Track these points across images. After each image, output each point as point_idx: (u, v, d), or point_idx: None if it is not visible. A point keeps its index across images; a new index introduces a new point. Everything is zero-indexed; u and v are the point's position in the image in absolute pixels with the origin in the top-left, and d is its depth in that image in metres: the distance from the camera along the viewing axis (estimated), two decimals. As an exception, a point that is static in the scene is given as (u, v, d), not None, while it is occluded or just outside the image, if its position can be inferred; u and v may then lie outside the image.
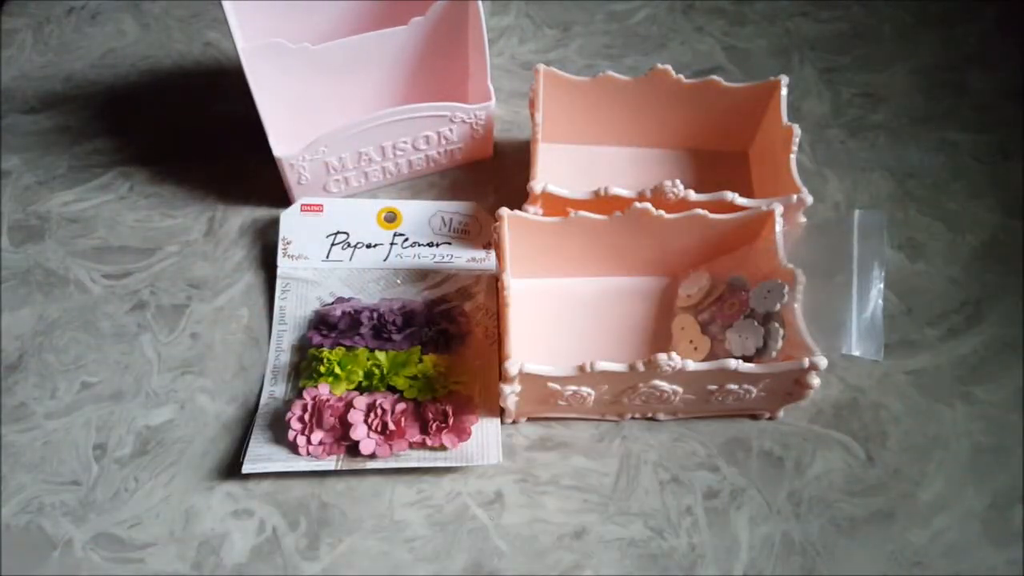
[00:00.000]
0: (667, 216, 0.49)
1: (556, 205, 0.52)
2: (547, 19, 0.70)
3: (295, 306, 0.53)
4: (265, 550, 0.45)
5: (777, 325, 0.47)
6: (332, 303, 0.53)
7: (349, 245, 0.55)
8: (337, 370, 0.48)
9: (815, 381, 0.45)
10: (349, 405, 0.47)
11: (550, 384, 0.44)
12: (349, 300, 0.53)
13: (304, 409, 0.47)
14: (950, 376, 0.53)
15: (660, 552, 0.47)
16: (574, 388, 0.45)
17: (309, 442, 0.46)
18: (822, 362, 0.44)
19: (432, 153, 0.59)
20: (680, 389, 0.45)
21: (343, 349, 0.50)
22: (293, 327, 0.53)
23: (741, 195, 0.51)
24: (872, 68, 0.68)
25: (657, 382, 0.44)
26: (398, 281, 0.55)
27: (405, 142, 0.56)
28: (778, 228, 0.49)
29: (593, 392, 0.45)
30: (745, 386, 0.45)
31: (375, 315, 0.51)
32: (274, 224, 0.56)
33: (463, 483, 0.48)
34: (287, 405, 0.49)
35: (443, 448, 0.47)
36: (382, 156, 0.57)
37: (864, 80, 0.67)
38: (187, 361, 0.52)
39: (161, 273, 0.55)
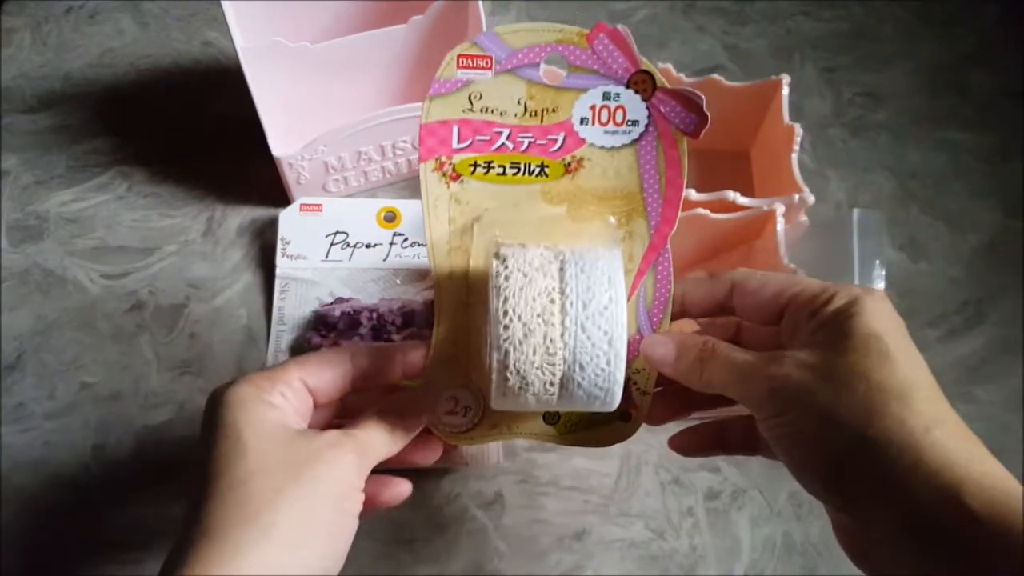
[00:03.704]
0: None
1: (556, 205, 0.52)
2: (547, 19, 0.70)
3: (294, 306, 0.53)
4: (264, 551, 0.45)
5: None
6: (331, 303, 0.53)
7: (348, 245, 0.55)
8: (336, 370, 0.48)
9: (816, 382, 0.45)
10: (348, 406, 0.47)
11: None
12: (348, 300, 0.53)
13: (303, 410, 0.47)
14: (950, 376, 0.53)
15: (661, 553, 0.46)
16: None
17: (308, 443, 0.46)
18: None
19: (432, 153, 0.58)
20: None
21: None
22: (292, 327, 0.52)
23: (742, 195, 0.50)
24: (873, 68, 0.68)
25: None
26: (398, 281, 0.54)
27: (405, 141, 0.56)
28: (779, 228, 0.49)
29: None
30: (746, 387, 0.45)
31: (374, 315, 0.51)
32: (273, 224, 0.56)
33: (463, 484, 0.48)
34: (286, 406, 0.49)
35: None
36: (382, 155, 0.56)
37: (865, 80, 0.67)
38: (186, 361, 0.52)
39: (160, 273, 0.55)
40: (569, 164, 0.33)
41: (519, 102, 0.33)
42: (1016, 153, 0.64)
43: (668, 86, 0.33)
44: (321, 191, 0.57)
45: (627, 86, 0.33)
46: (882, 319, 0.28)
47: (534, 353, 0.29)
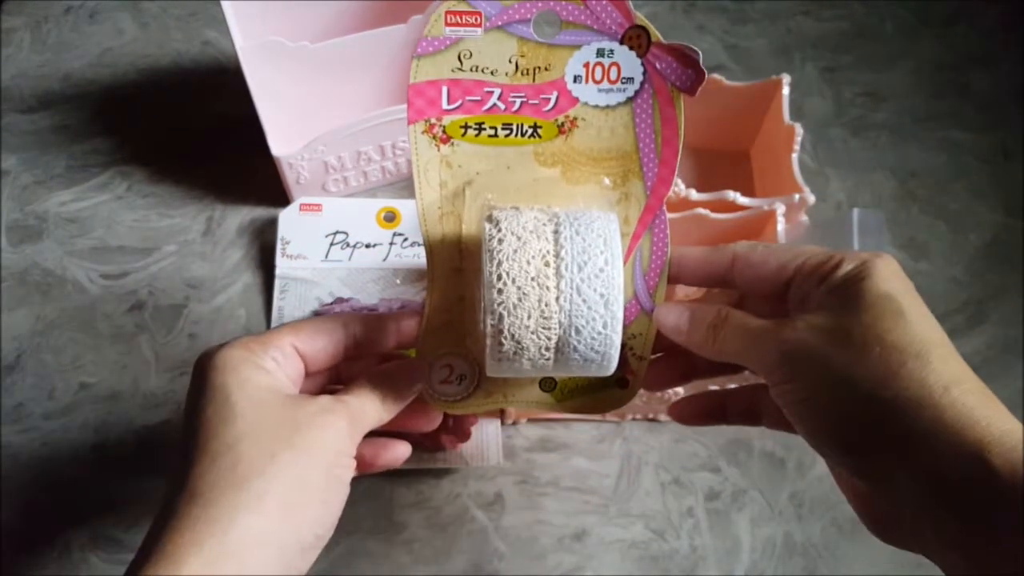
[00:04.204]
0: (668, 215, 0.48)
1: (556, 205, 0.52)
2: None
3: (294, 306, 0.53)
4: (264, 552, 0.45)
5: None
6: (331, 303, 0.53)
7: (348, 245, 0.55)
8: (336, 371, 0.48)
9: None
10: (348, 406, 0.47)
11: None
12: (348, 300, 0.53)
13: (303, 410, 0.47)
14: (952, 377, 0.53)
15: (661, 554, 0.46)
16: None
17: (308, 443, 0.46)
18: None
19: (432, 152, 0.58)
20: (681, 389, 0.45)
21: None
22: (292, 327, 0.52)
23: (742, 195, 0.50)
24: (874, 67, 0.68)
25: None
26: (397, 281, 0.54)
27: (404, 141, 0.56)
28: (780, 228, 0.49)
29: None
30: (746, 387, 0.45)
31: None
32: (272, 224, 0.56)
33: (463, 484, 0.48)
34: (286, 406, 0.49)
35: (442, 449, 0.47)
36: (381, 155, 0.56)
37: (866, 79, 0.67)
38: (185, 362, 0.52)
39: (159, 273, 0.55)
40: (562, 124, 0.33)
41: (510, 60, 0.32)
42: (1016, 153, 0.63)
43: (663, 41, 0.32)
44: (321, 191, 0.57)
45: (621, 42, 0.32)
46: (893, 280, 0.28)
47: (529, 317, 0.29)
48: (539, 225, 0.30)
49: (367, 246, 0.55)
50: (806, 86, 0.66)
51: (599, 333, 0.29)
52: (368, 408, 0.32)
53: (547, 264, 0.29)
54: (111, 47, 0.65)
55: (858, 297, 0.27)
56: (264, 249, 0.56)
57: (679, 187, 0.50)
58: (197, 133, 0.61)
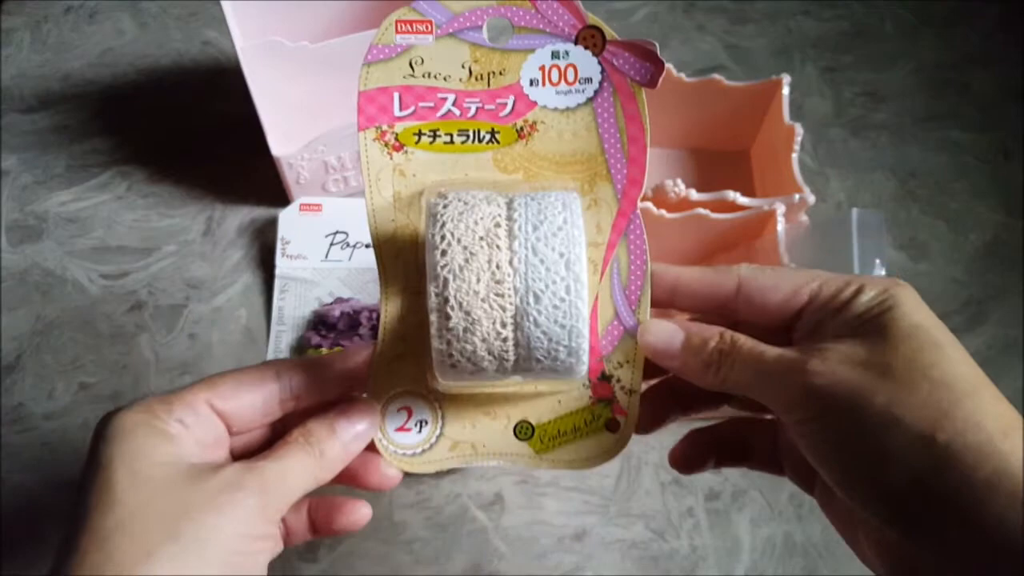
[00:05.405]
0: (668, 216, 0.49)
1: (556, 205, 0.52)
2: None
3: (293, 306, 0.53)
4: (264, 552, 0.45)
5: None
6: (331, 303, 0.53)
7: (348, 245, 0.55)
8: (336, 371, 0.48)
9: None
10: (348, 406, 0.47)
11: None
12: (348, 300, 0.53)
13: (303, 410, 0.47)
14: (952, 377, 0.53)
15: (661, 554, 0.46)
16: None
17: (308, 443, 0.46)
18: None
19: (432, 152, 0.58)
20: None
21: (342, 349, 0.49)
22: (292, 327, 0.52)
23: (742, 195, 0.50)
24: (874, 67, 0.68)
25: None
26: (397, 281, 0.54)
27: (405, 141, 0.56)
28: (780, 228, 0.49)
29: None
30: (746, 387, 0.45)
31: (374, 315, 0.51)
32: (273, 224, 0.56)
33: (463, 484, 0.48)
34: (286, 406, 0.49)
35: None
36: (381, 155, 0.56)
37: (866, 79, 0.67)
38: (185, 362, 0.52)
39: (159, 273, 0.55)
40: (521, 129, 0.31)
41: (463, 66, 0.31)
42: (1016, 153, 0.63)
43: (618, 38, 0.31)
44: (321, 191, 0.57)
45: (576, 43, 0.31)
46: (922, 311, 0.25)
47: (478, 281, 0.25)
48: (491, 195, 0.28)
49: (367, 246, 0.55)
50: (806, 86, 0.66)
51: (561, 300, 0.26)
52: (295, 472, 0.26)
53: (498, 225, 0.26)
54: (111, 47, 0.65)
55: (887, 328, 0.24)
56: (264, 249, 0.56)
57: (679, 187, 0.50)
58: (197, 133, 0.61)
